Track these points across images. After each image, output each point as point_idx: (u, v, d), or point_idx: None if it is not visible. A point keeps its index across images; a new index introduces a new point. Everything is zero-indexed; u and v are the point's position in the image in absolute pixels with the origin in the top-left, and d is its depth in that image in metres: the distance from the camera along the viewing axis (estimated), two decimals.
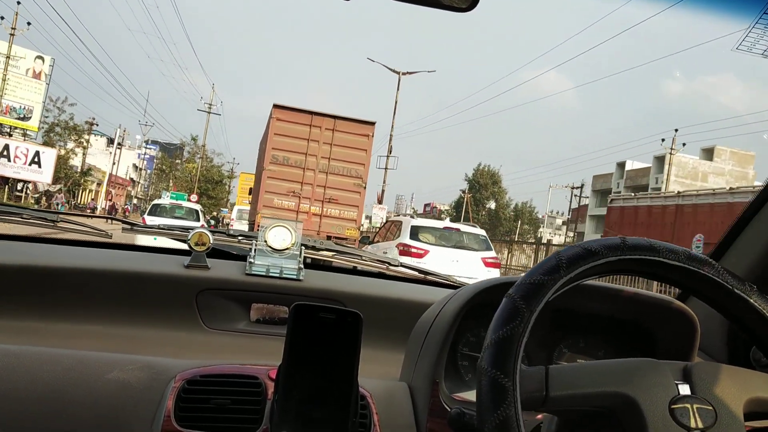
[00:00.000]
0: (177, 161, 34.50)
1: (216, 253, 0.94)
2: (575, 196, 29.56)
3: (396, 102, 17.85)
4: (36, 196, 24.50)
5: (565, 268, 0.46)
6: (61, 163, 25.59)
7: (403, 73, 17.66)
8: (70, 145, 26.60)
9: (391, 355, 0.80)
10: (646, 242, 0.49)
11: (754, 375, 0.48)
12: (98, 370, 0.61)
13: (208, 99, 30.99)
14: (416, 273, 1.08)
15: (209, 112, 30.47)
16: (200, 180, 32.45)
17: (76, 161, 28.87)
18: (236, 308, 0.89)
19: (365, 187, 10.50)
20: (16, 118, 22.75)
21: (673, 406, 0.45)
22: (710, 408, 0.45)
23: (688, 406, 0.45)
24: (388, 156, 18.31)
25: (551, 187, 35.38)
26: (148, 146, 38.31)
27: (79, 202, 28.55)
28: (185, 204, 12.99)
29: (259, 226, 0.99)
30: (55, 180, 25.58)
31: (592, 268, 0.47)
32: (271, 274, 0.90)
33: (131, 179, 46.90)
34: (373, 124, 10.57)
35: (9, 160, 21.52)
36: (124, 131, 37.42)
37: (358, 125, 10.33)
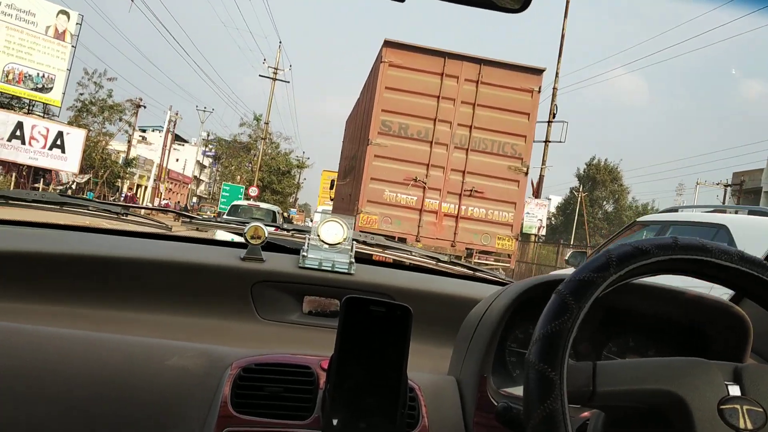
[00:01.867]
0: (242, 158, 40.80)
1: (270, 246, 1.47)
2: (735, 194, 31.76)
3: (563, 35, 17.00)
4: (60, 188, 27.64)
5: (615, 266, 0.72)
6: (94, 149, 30.31)
7: None
8: (111, 128, 32.34)
9: (438, 350, 1.23)
10: (698, 242, 0.75)
11: None
12: (159, 356, 0.99)
13: (273, 61, 33.93)
14: (464, 269, 1.53)
15: (275, 78, 33.23)
16: (262, 169, 36.15)
17: (116, 148, 34.83)
18: (289, 300, 1.39)
19: (527, 173, 10.33)
20: (32, 89, 24.07)
21: (722, 407, 0.70)
22: (760, 410, 0.67)
23: (738, 406, 0.69)
24: (550, 120, 16.57)
25: (699, 183, 40.07)
26: (207, 152, 48.33)
27: (119, 197, 34.08)
28: (263, 205, 18.05)
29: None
30: (85, 169, 29.63)
31: (642, 267, 0.73)
32: (323, 268, 1.39)
33: (195, 177, 58.15)
34: (540, 72, 10.33)
35: (23, 143, 23.52)
36: (176, 114, 45.35)
37: (517, 75, 10.17)
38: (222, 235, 1.63)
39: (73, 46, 25.23)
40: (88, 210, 1.57)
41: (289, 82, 47.31)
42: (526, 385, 0.71)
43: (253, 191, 28.30)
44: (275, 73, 33.30)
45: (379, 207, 10.27)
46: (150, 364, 0.99)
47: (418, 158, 10.21)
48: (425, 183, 10.21)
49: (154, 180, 41.67)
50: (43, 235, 1.48)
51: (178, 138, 49.73)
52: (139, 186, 42.67)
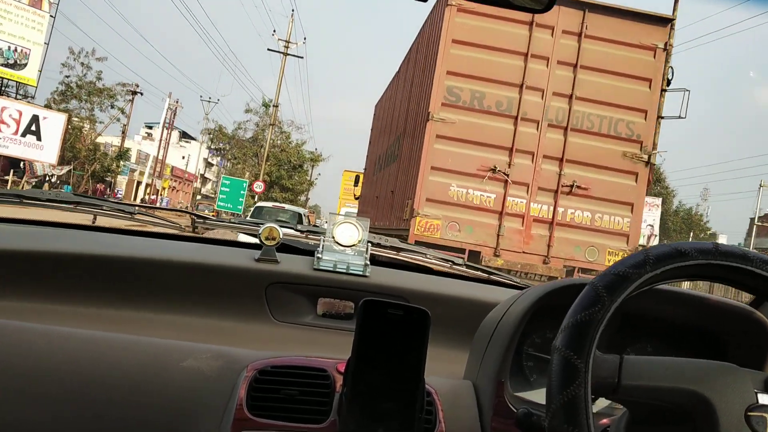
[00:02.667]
0: (246, 149, 48.99)
1: (285, 248, 2.00)
2: None
3: None
4: (35, 181, 29.48)
5: (652, 264, 0.99)
6: (78, 138, 32.79)
7: None
8: (102, 116, 35.32)
9: (454, 354, 1.69)
10: (739, 250, 1.03)
11: None
12: (173, 358, 1.34)
13: (284, 34, 37.79)
14: (480, 273, 2.05)
15: (286, 53, 36.38)
16: (270, 161, 42.68)
17: (112, 141, 38.43)
18: (304, 302, 1.89)
19: (650, 163, 9.84)
20: (1, 65, 26.86)
21: (749, 413, 0.96)
22: None
23: (766, 415, 0.94)
24: (665, 88, 15.57)
25: (762, 186, 49.12)
26: (211, 148, 56.69)
27: (107, 194, 36.43)
28: (289, 207, 22.04)
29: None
30: (67, 160, 31.70)
31: (679, 269, 1.00)
32: (338, 270, 1.90)
33: (201, 175, 65.87)
34: (667, 23, 9.77)
35: None
36: (177, 102, 51.42)
37: (635, 26, 9.82)
38: (236, 236, 2.23)
39: (51, 16, 27.55)
40: (102, 210, 2.16)
41: (302, 57, 57.82)
42: (550, 371, 0.97)
43: (259, 186, 33.91)
44: (287, 47, 36.29)
45: (443, 208, 10.07)
46: (165, 366, 1.33)
47: (497, 140, 9.89)
48: (507, 175, 9.93)
49: (150, 175, 45.18)
50: (57, 234, 2.02)
51: (185, 135, 58.98)
52: (139, 183, 46.48)
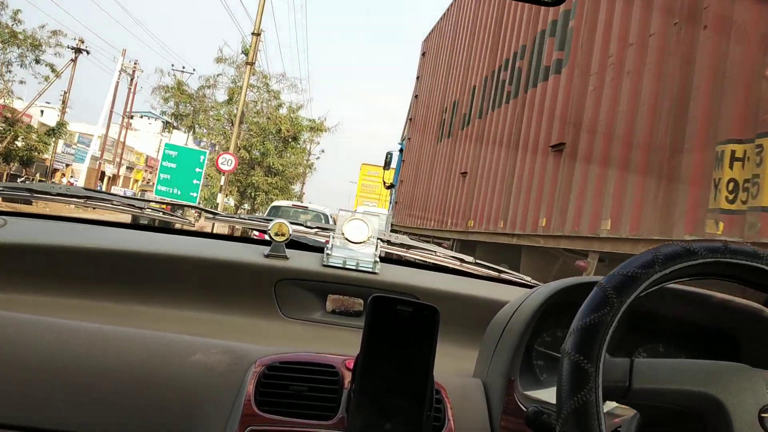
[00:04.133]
0: (203, 106, 32.31)
1: (294, 244, 2.02)
2: None
3: None
4: None
5: (661, 263, 0.98)
6: None
7: None
8: (27, 80, 29.42)
9: (463, 351, 1.71)
10: (750, 249, 1.01)
11: None
12: (182, 352, 1.34)
13: None
14: (490, 271, 2.07)
15: None
16: (250, 129, 30.99)
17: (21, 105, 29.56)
18: (313, 298, 1.91)
19: None
20: None
21: (763, 414, 0.95)
22: None
23: None
24: None
25: None
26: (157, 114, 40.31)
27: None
28: (313, 207, 18.83)
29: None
30: None
31: (688, 268, 0.99)
32: (347, 266, 1.92)
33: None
34: None
35: None
36: (134, 65, 42.75)
37: None
38: (246, 231, 2.25)
39: None
40: (112, 204, 2.19)
41: None
42: (560, 376, 0.97)
43: (227, 162, 21.27)
44: None
45: None
46: (174, 360, 1.35)
47: None
48: None
49: (95, 159, 38.81)
50: (67, 228, 2.06)
51: (168, 125, 45.56)
52: (104, 173, 41.54)
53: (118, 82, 40.90)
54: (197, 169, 20.23)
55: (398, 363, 1.15)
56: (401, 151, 19.16)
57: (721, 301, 1.40)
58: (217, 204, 24.16)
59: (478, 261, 2.21)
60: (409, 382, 1.15)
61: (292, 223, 2.04)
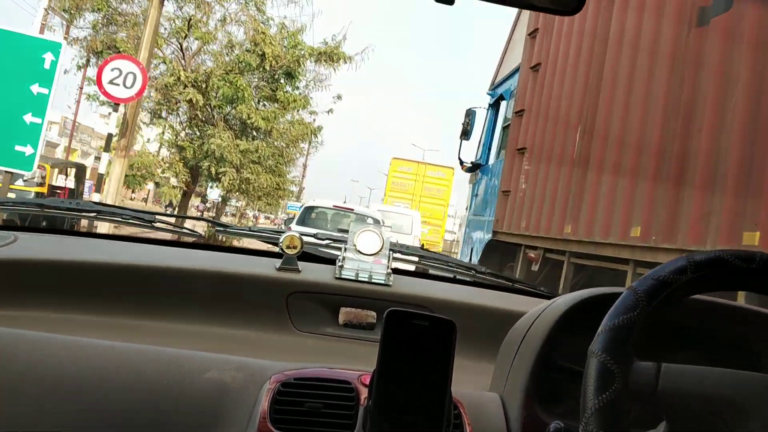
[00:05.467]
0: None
1: (306, 256, 2.01)
2: None
3: None
4: None
5: (692, 270, 1.02)
6: None
7: None
8: None
9: (479, 364, 1.70)
10: None
11: None
12: (196, 369, 1.33)
13: None
14: (505, 281, 2.05)
15: None
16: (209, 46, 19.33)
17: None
18: (325, 312, 1.90)
19: None
20: None
21: None
22: None
23: None
24: None
25: None
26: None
27: None
28: (362, 210, 14.39)
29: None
30: None
31: (720, 277, 1.03)
32: (360, 279, 1.92)
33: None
34: None
35: None
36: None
37: None
38: (257, 244, 2.25)
39: None
40: (123, 218, 2.20)
41: None
42: (586, 375, 1.00)
43: (123, 79, 11.39)
44: None
45: None
46: (188, 377, 1.34)
47: None
48: None
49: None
50: (77, 243, 2.06)
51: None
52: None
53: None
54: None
55: (415, 378, 1.13)
56: (495, 105, 12.06)
57: (745, 312, 1.40)
58: (103, 175, 13.08)
59: (491, 271, 2.21)
60: (427, 397, 1.13)
61: (302, 236, 2.03)
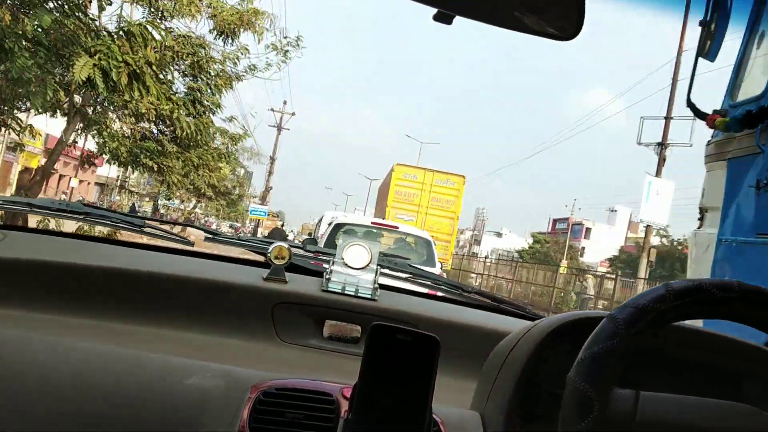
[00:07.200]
0: None
1: (293, 267, 2.02)
2: None
3: None
4: None
5: (672, 298, 1.02)
6: None
7: None
8: None
9: (461, 383, 1.69)
10: (765, 290, 1.04)
11: None
12: (178, 375, 1.35)
13: None
14: (490, 301, 2.06)
15: None
16: None
17: None
18: (310, 323, 1.91)
19: None
20: None
21: None
22: None
23: None
24: None
25: None
26: None
27: None
28: (408, 229, 11.65)
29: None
30: None
31: (699, 306, 1.03)
32: (346, 292, 1.93)
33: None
34: None
35: None
36: None
37: None
38: (245, 253, 2.25)
39: None
40: (111, 221, 2.20)
41: None
42: (564, 404, 1.01)
43: None
44: None
45: None
46: (169, 383, 1.36)
47: None
48: None
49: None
50: (65, 244, 2.06)
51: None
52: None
53: None
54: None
55: (396, 393, 1.14)
56: None
57: (726, 341, 1.40)
58: None
59: (478, 290, 2.23)
60: (407, 412, 1.14)
61: (291, 246, 2.04)
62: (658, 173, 25.55)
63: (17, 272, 1.79)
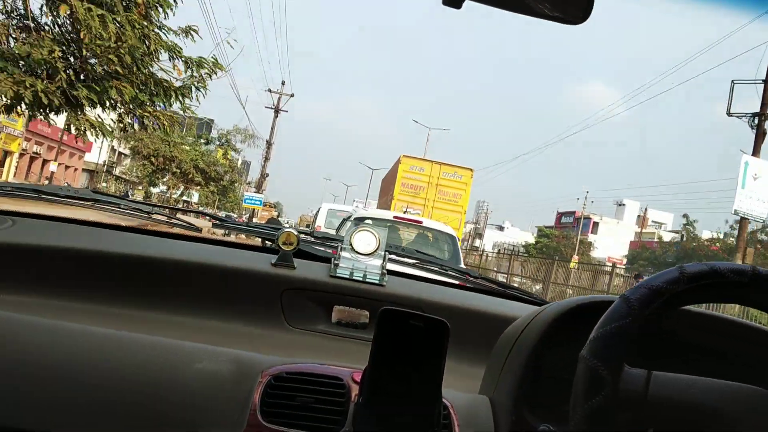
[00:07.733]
0: None
1: (302, 253, 2.02)
2: None
3: None
4: None
5: (686, 281, 1.03)
6: None
7: None
8: None
9: (470, 368, 1.71)
10: None
11: None
12: (189, 359, 1.35)
13: None
14: (498, 287, 2.07)
15: None
16: None
17: None
18: (318, 309, 1.93)
19: None
20: None
21: None
22: None
23: None
24: None
25: None
26: None
27: None
28: (432, 224, 10.89)
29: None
30: None
31: (713, 289, 1.04)
32: (354, 278, 1.94)
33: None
34: None
35: None
36: None
37: None
38: (254, 239, 2.26)
39: None
40: (120, 208, 2.21)
41: None
42: (576, 380, 1.02)
43: None
44: None
45: None
46: (180, 367, 1.36)
47: None
48: None
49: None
50: (74, 231, 2.07)
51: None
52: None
53: None
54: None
55: (407, 377, 1.14)
56: None
57: (740, 326, 1.40)
58: None
59: (484, 276, 2.23)
60: (417, 397, 1.14)
61: (299, 232, 2.04)
62: (755, 152, 19.32)
63: (26, 258, 1.80)
